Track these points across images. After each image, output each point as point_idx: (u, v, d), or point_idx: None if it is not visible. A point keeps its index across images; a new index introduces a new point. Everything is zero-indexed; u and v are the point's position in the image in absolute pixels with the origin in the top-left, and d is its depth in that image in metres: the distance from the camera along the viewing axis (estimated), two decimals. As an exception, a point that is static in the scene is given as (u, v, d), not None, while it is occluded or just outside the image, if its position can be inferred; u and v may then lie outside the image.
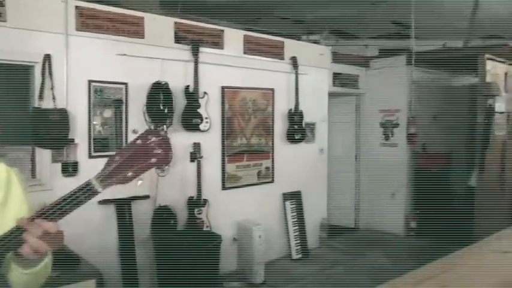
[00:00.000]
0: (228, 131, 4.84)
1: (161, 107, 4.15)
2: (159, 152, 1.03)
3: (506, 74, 5.86)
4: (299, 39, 5.95)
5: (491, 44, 6.22)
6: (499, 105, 5.66)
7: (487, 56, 5.49)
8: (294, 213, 5.48)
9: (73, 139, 3.75)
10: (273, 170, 5.30)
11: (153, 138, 1.04)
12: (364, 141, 6.75)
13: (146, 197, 4.18)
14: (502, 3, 6.17)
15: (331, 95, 6.19)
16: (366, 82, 6.69)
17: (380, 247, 5.92)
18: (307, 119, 5.54)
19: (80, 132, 3.80)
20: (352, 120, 6.81)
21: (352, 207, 6.88)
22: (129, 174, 1.02)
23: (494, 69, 5.61)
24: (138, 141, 1.03)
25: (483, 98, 5.46)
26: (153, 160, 1.02)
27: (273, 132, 5.28)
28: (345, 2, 6.17)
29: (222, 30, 4.78)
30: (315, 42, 6.09)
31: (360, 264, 5.29)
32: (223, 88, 4.78)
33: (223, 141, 4.80)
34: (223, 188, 4.84)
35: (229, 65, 4.82)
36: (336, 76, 6.26)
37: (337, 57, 6.21)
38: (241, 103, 4.96)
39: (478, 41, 7.70)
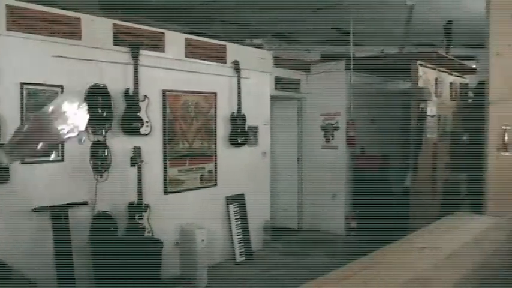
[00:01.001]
0: (169, 135, 4.79)
1: (99, 111, 4.05)
2: (73, 121, 0.95)
3: (436, 79, 6.21)
4: (242, 43, 6.01)
5: (423, 51, 6.57)
6: (431, 109, 5.99)
7: (419, 62, 5.80)
8: (238, 216, 5.51)
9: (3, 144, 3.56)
10: (216, 174, 5.31)
11: (68, 107, 0.95)
12: (306, 144, 6.91)
13: (84, 203, 4.05)
14: (434, 12, 6.56)
15: (274, 98, 6.29)
16: (307, 86, 6.86)
17: (322, 247, 6.07)
18: (249, 122, 5.60)
19: (11, 137, 3.61)
20: (294, 123, 6.95)
21: (295, 209, 7.01)
22: (39, 146, 0.93)
23: (425, 74, 5.93)
24: (50, 110, 0.94)
25: (416, 102, 5.75)
26: (65, 129, 0.94)
27: (215, 135, 5.29)
28: (287, 7, 6.31)
29: (163, 33, 4.73)
30: (258, 46, 6.16)
31: (303, 265, 5.40)
32: (164, 91, 4.73)
33: (164, 145, 4.75)
34: (165, 192, 4.79)
35: (171, 68, 4.78)
36: (278, 80, 6.37)
37: (279, 62, 6.32)
38: (183, 106, 4.93)
39: (412, 47, 8.12)
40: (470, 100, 7.30)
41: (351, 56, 6.37)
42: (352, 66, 6.36)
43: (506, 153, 2.60)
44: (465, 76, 7.32)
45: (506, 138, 2.59)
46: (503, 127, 2.61)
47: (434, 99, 6.05)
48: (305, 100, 6.89)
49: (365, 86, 6.91)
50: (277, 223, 6.80)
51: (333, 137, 6.65)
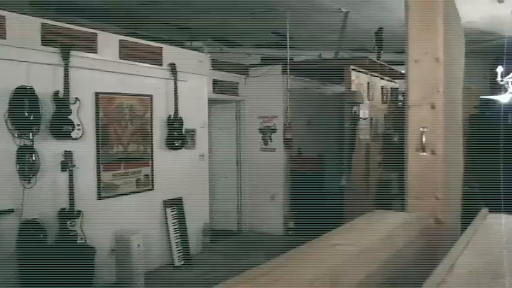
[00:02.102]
0: (103, 139, 4.66)
1: (26, 114, 3.87)
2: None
3: (368, 83, 6.49)
4: (182, 45, 5.97)
5: (356, 56, 6.84)
6: (363, 112, 6.25)
7: (352, 67, 6.04)
8: (175, 220, 5.46)
9: None
10: (152, 178, 5.23)
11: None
12: (245, 147, 6.97)
13: (10, 211, 3.86)
14: (367, 19, 6.85)
15: (212, 101, 6.29)
16: (245, 89, 6.92)
17: (261, 248, 6.15)
18: (187, 125, 5.57)
19: None
20: (233, 126, 6.99)
21: (234, 211, 7.05)
22: None
23: (358, 79, 6.19)
24: None
25: (349, 105, 5.98)
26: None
27: (151, 139, 5.21)
28: (226, 11, 6.34)
29: (95, 34, 4.60)
30: (198, 49, 6.15)
31: (242, 266, 5.39)
32: (97, 94, 4.60)
33: (98, 149, 4.62)
34: (99, 197, 4.65)
35: (104, 70, 4.67)
36: (216, 83, 6.39)
37: (216, 65, 6.34)
38: (117, 109, 4.82)
39: (348, 53, 8.44)
40: (400, 103, 7.69)
41: (288, 60, 6.51)
42: (288, 70, 6.50)
43: (424, 154, 2.76)
44: (395, 80, 7.69)
45: (423, 139, 2.75)
46: (421, 129, 2.77)
47: (366, 103, 6.31)
48: (243, 103, 6.95)
49: (302, 89, 7.08)
50: (217, 225, 6.80)
51: (270, 139, 6.75)
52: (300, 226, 6.61)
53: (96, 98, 4.59)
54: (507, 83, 7.86)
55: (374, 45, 7.16)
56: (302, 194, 6.62)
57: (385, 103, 7.19)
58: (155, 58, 5.25)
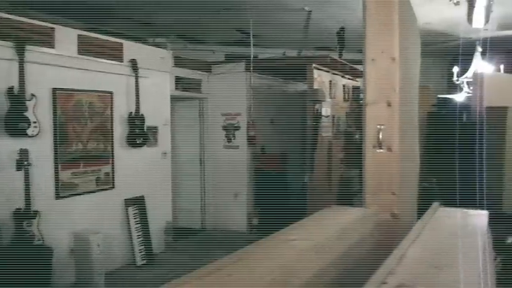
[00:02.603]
0: (61, 136, 4.53)
1: (-23, 110, 3.73)
2: None
3: (330, 82, 6.59)
4: (145, 42, 5.88)
5: (318, 55, 6.93)
6: (325, 110, 6.34)
7: (314, 65, 6.11)
8: (137, 219, 5.38)
9: None
10: (113, 176, 5.13)
11: None
12: (208, 144, 6.95)
13: (-40, 211, 3.71)
14: (330, 18, 6.94)
15: (174, 98, 6.23)
16: (208, 86, 6.89)
17: (225, 246, 6.14)
18: (149, 122, 5.49)
19: None
20: (196, 123, 6.95)
21: (198, 209, 7.01)
22: None
23: (320, 77, 6.27)
24: None
25: (311, 103, 6.06)
26: None
27: (112, 136, 5.11)
28: (191, 8, 6.28)
29: (53, 28, 4.47)
30: (161, 45, 6.08)
31: (205, 264, 5.41)
32: (55, 90, 4.47)
33: (56, 147, 4.48)
34: (58, 197, 4.52)
35: (62, 66, 4.54)
36: (179, 80, 6.33)
37: (179, 61, 6.28)
38: (76, 106, 4.70)
39: (311, 51, 8.53)
40: (361, 101, 7.84)
41: (251, 57, 6.53)
42: (252, 67, 6.52)
43: (381, 150, 2.83)
44: (357, 79, 7.85)
45: (380, 136, 2.81)
46: (378, 126, 2.83)
47: (328, 101, 6.41)
48: (206, 100, 6.92)
49: (266, 87, 7.12)
50: (180, 224, 6.76)
51: (234, 136, 6.76)
52: (264, 223, 6.65)
53: (53, 94, 4.46)
54: (462, 82, 8.15)
55: (336, 44, 7.28)
56: (266, 191, 6.66)
57: (347, 101, 7.33)
58: (115, 54, 5.14)
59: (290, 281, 1.24)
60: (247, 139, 6.60)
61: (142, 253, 5.36)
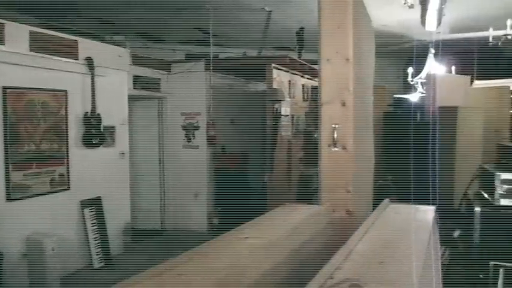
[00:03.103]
0: (12, 137, 4.36)
1: None
2: None
3: (289, 81, 6.66)
4: (103, 40, 5.75)
5: (277, 55, 6.99)
6: (285, 109, 6.40)
7: (273, 65, 6.16)
8: (94, 221, 5.26)
9: None
10: (68, 177, 4.99)
11: None
12: (168, 144, 6.87)
13: None
14: (290, 18, 7.01)
15: (132, 98, 6.13)
16: (167, 86, 6.82)
17: (185, 246, 6.05)
18: (105, 122, 5.37)
19: None
20: (155, 123, 6.86)
21: (158, 209, 6.93)
22: None
23: (279, 77, 6.33)
24: None
25: (270, 102, 6.10)
26: None
27: (67, 136, 4.97)
28: (151, 6, 6.19)
29: (3, 24, 4.29)
30: (120, 43, 5.95)
31: (164, 265, 5.36)
32: (5, 89, 4.30)
33: (6, 148, 4.31)
34: (8, 199, 4.35)
35: (13, 63, 4.37)
36: (137, 79, 6.23)
37: (137, 60, 6.18)
38: (28, 105, 4.53)
39: (271, 51, 8.59)
40: (320, 101, 7.96)
41: (211, 56, 6.51)
42: (212, 67, 6.49)
43: (336, 149, 2.88)
44: (316, 79, 7.96)
45: (335, 135, 2.86)
46: (333, 125, 2.88)
47: (287, 100, 6.47)
48: (166, 100, 6.84)
49: (226, 86, 7.11)
50: (140, 225, 6.66)
51: (194, 136, 6.72)
52: (224, 223, 6.64)
53: (3, 93, 4.29)
54: (416, 83, 8.43)
55: (296, 44, 7.37)
56: (226, 191, 6.65)
57: (306, 101, 7.42)
58: (70, 52, 5.00)
59: (240, 280, 1.25)
60: (207, 139, 6.58)
61: (99, 255, 5.25)
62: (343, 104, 2.95)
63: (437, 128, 6.28)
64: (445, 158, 5.84)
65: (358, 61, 3.15)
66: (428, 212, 2.02)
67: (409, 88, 9.12)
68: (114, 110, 5.61)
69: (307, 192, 6.79)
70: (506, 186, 2.79)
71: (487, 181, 3.11)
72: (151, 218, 6.90)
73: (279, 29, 7.29)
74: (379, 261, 1.32)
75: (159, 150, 6.88)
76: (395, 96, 9.21)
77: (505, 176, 2.84)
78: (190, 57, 7.99)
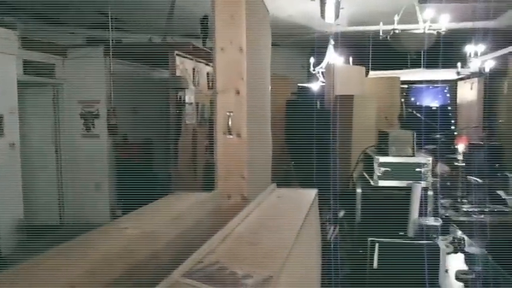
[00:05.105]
0: None
1: None
2: None
3: (194, 69, 6.62)
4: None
5: (181, 42, 6.89)
6: (189, 97, 6.36)
7: (176, 52, 6.08)
8: (-20, 218, 4.85)
9: None
10: None
11: None
12: (65, 133, 6.49)
13: None
14: (195, 5, 6.92)
15: (23, 84, 5.69)
16: (64, 72, 6.42)
17: (86, 240, 5.85)
18: (-9, 111, 4.95)
19: None
20: (50, 111, 6.45)
21: (55, 203, 6.55)
22: None
23: (183, 64, 6.26)
24: None
25: (174, 90, 6.03)
26: None
27: None
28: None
29: None
30: (10, 25, 5.48)
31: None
32: None
33: None
34: None
35: None
36: (28, 64, 5.79)
37: (28, 43, 5.74)
38: None
39: (176, 38, 8.44)
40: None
41: (110, 42, 6.24)
42: (111, 52, 6.22)
43: (231, 136, 2.94)
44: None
45: (230, 123, 2.91)
46: (228, 113, 2.93)
47: (192, 88, 6.43)
48: (62, 87, 6.44)
49: (128, 73, 6.86)
50: (35, 221, 6.25)
51: (93, 125, 6.42)
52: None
53: None
54: (318, 72, 8.83)
55: (200, 31, 7.32)
56: (129, 181, 6.47)
57: (211, 89, 7.43)
58: None
59: (108, 273, 1.23)
60: (108, 128, 6.32)
61: (-13, 255, 4.86)
62: (238, 93, 3.01)
63: (337, 116, 6.65)
64: (343, 144, 6.20)
65: (252, 51, 3.22)
66: (309, 194, 2.14)
67: (312, 77, 9.53)
68: (1, 97, 5.17)
69: (213, 180, 6.83)
70: (383, 169, 3.05)
71: (368, 164, 3.37)
72: (48, 213, 6.51)
73: (185, 15, 7.18)
74: (253, 243, 1.38)
75: (55, 140, 6.48)
76: (299, 85, 9.57)
77: (382, 159, 3.10)
78: (91, 42, 7.59)
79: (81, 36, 8.22)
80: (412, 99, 11.09)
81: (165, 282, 1.03)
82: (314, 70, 8.96)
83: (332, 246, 2.91)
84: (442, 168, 5.37)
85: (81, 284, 1.09)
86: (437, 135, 6.61)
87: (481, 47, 8.25)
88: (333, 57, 8.36)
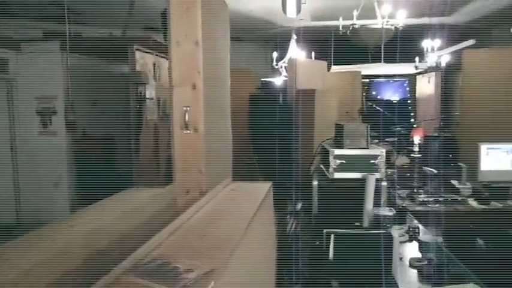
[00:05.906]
0: None
1: None
2: None
3: (154, 64, 6.53)
4: None
5: (141, 36, 6.78)
6: (149, 93, 6.27)
7: (136, 46, 5.98)
8: None
9: None
10: None
11: None
12: (20, 131, 6.27)
13: None
14: (156, -1, 6.80)
15: (-26, 80, 5.47)
16: (17, 67, 6.19)
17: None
18: None
19: None
20: (4, 108, 6.21)
21: (12, 202, 6.33)
22: None
23: (143, 59, 6.16)
24: None
25: (134, 85, 5.93)
26: None
27: None
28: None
29: None
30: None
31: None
32: None
33: None
34: None
35: None
36: (-22, 59, 5.57)
37: (-22, 38, 5.51)
38: None
39: (137, 32, 8.30)
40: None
41: (67, 35, 6.06)
42: (68, 46, 6.05)
43: (188, 131, 2.92)
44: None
45: (186, 118, 2.90)
46: (184, 108, 2.91)
47: (152, 83, 6.35)
48: (16, 82, 6.21)
49: (87, 68, 6.69)
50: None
51: (51, 122, 6.23)
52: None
53: None
54: (281, 67, 8.89)
55: (161, 25, 7.20)
56: (90, 178, 6.33)
57: (173, 84, 7.35)
58: None
59: (47, 274, 1.21)
60: (66, 124, 6.15)
61: None
62: (194, 87, 2.99)
63: (300, 110, 6.72)
64: (305, 138, 6.28)
65: (209, 45, 3.21)
66: (263, 187, 2.16)
67: (276, 72, 9.57)
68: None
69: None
70: (338, 161, 3.11)
71: (325, 157, 3.43)
72: (4, 213, 6.29)
73: (145, 8, 7.06)
74: (201, 236, 1.38)
75: (10, 138, 6.25)
76: (263, 79, 9.60)
77: (338, 151, 3.16)
78: (48, 36, 7.35)
79: (38, 29, 7.96)
80: (374, 93, 11.35)
81: (104, 279, 1.02)
82: (277, 65, 9.02)
83: (290, 238, 2.95)
84: (401, 159, 5.53)
85: (18, 285, 1.06)
86: (397, 128, 6.78)
87: (437, 42, 8.51)
88: (296, 52, 8.43)
